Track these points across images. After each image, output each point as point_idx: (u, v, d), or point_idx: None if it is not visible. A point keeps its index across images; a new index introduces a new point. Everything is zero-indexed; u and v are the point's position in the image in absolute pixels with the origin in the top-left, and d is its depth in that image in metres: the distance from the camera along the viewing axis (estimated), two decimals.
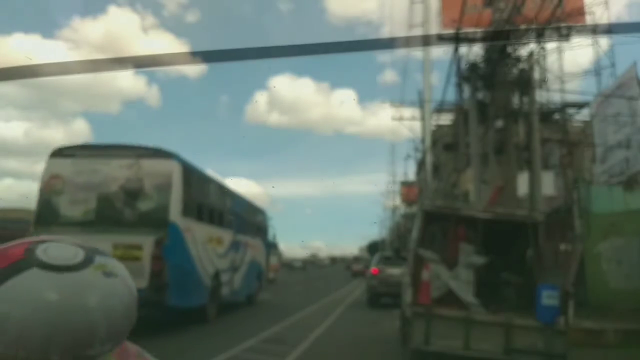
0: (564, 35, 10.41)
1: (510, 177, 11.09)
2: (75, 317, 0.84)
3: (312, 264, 64.80)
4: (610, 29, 12.94)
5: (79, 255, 0.88)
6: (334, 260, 76.25)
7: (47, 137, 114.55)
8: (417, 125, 26.77)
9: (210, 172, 15.25)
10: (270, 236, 17.39)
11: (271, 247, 17.88)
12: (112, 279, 0.88)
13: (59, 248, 0.89)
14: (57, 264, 0.86)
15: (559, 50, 13.88)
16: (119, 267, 0.91)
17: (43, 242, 0.90)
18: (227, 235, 11.60)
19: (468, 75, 11.87)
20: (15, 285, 0.84)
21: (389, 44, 1.22)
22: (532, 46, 10.77)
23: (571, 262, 6.59)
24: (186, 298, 8.97)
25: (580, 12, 12.34)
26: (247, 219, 13.99)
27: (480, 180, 12.24)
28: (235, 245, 12.21)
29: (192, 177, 9.62)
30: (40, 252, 0.87)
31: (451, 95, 14.56)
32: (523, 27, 9.81)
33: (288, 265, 47.06)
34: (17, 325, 0.81)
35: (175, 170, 8.74)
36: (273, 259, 20.66)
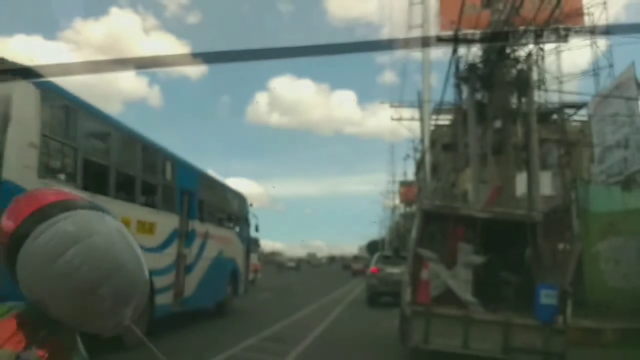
0: (563, 36, 10.46)
1: (509, 177, 11.13)
2: (130, 264, 0.95)
3: (308, 263, 64.55)
4: (609, 30, 12.97)
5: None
6: (332, 260, 75.94)
7: None
8: (416, 125, 26.87)
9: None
10: (252, 228, 13.82)
11: (251, 242, 14.04)
12: None
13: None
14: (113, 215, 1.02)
15: (557, 51, 13.93)
16: None
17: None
18: (166, 221, 8.17)
19: (467, 76, 11.91)
20: (88, 216, 0.96)
21: (389, 45, 1.25)
22: (531, 47, 10.82)
23: (569, 262, 6.63)
24: None
25: (578, 13, 12.40)
26: (211, 202, 10.55)
27: (479, 180, 12.28)
28: (186, 236, 8.97)
29: (70, 113, 6.00)
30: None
31: (450, 96, 14.61)
32: (521, 28, 9.84)
33: (280, 265, 45.25)
34: (91, 251, 0.91)
35: (19, 95, 5.10)
36: (253, 258, 17.61)
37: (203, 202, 9.96)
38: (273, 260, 48.76)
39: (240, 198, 12.87)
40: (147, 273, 1.00)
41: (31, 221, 0.92)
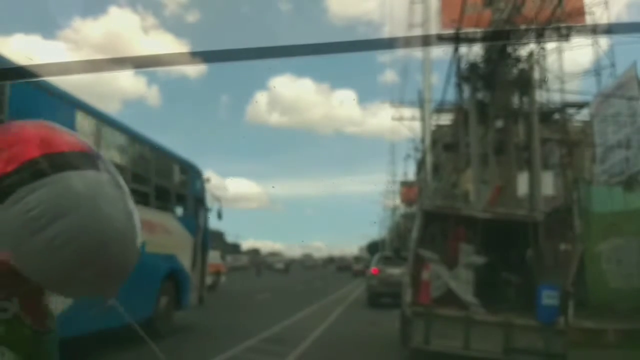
0: (564, 35, 10.40)
1: (510, 177, 11.11)
2: (122, 241, 0.83)
3: (301, 264, 63.50)
4: (610, 29, 12.91)
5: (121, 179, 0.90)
6: (330, 261, 73.94)
7: None
8: (417, 125, 26.85)
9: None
10: (212, 216, 10.11)
11: (207, 234, 9.80)
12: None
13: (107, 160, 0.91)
14: (117, 178, 0.87)
15: (559, 50, 13.92)
16: None
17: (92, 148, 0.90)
18: None
19: (468, 75, 11.89)
20: (80, 180, 0.80)
21: (389, 44, 1.21)
22: (532, 46, 10.79)
23: (571, 262, 6.60)
24: None
25: (580, 12, 12.34)
26: (115, 165, 3.61)
27: (480, 180, 12.25)
28: None
29: None
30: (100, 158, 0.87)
31: (451, 95, 14.58)
32: (523, 27, 9.82)
33: (260, 266, 41.76)
34: (78, 230, 0.77)
35: None
36: (214, 256, 13.93)
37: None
38: (266, 262, 47.79)
39: (186, 168, 8.88)
40: (139, 242, 0.89)
41: (12, 180, 0.75)
